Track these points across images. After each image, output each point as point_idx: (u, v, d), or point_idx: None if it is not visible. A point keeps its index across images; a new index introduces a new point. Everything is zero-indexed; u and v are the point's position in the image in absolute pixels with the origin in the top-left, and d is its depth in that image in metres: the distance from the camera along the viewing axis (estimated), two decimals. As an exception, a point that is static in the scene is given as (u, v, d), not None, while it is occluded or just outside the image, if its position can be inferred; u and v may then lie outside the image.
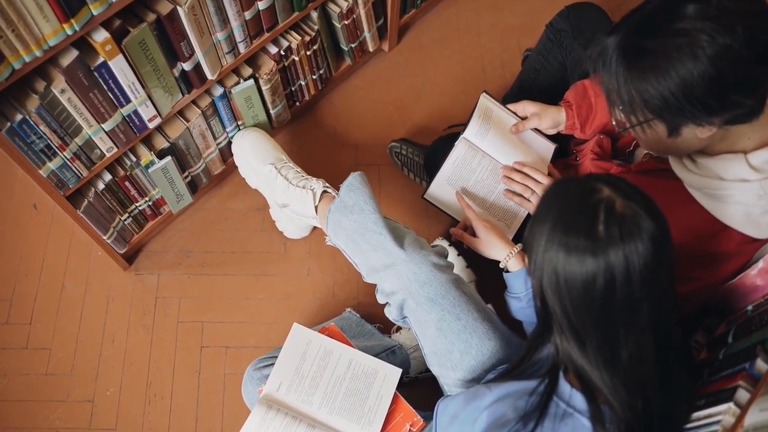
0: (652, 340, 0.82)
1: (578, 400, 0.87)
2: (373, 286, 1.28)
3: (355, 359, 1.23)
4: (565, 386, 0.88)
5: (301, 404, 1.19)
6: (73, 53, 1.11)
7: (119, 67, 1.18)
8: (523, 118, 1.42)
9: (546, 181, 1.33)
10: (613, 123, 1.06)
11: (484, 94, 1.43)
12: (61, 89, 1.13)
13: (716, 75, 0.88)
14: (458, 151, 1.39)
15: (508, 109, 1.43)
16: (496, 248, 1.25)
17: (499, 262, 1.25)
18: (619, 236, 0.77)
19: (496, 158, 1.39)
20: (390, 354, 1.40)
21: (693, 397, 0.93)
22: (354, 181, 1.29)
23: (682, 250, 1.07)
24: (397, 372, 1.23)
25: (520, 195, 1.36)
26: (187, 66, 1.33)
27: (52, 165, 1.23)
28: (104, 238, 1.49)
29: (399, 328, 1.52)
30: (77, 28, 1.05)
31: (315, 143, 1.81)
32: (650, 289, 0.79)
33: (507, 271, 1.23)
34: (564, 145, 1.46)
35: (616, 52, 0.94)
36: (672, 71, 0.90)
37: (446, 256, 1.25)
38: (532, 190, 1.34)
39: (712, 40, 0.87)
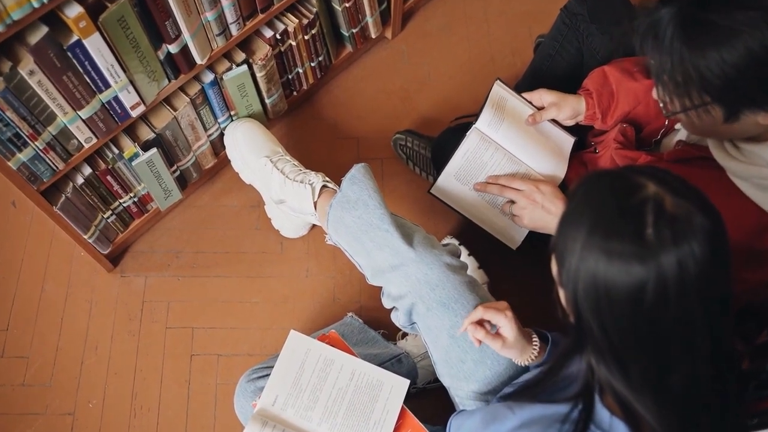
0: (709, 360, 0.70)
1: (621, 430, 0.75)
2: (378, 289, 1.20)
3: (359, 370, 1.14)
4: (603, 413, 0.77)
5: (299, 420, 1.10)
6: (43, 30, 1.01)
7: (96, 47, 1.08)
8: (540, 108, 1.33)
9: (524, 186, 1.21)
10: (660, 106, 0.97)
11: (497, 81, 1.35)
12: (29, 71, 1.03)
13: None
14: (469, 142, 1.30)
15: (524, 98, 1.34)
16: (521, 343, 1.03)
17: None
18: (671, 239, 0.65)
19: (512, 151, 1.30)
20: (396, 363, 1.31)
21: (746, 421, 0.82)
22: (357, 174, 1.20)
23: None
24: (404, 384, 1.14)
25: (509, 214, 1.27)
26: (173, 48, 1.23)
27: (22, 156, 1.13)
28: (85, 237, 1.40)
29: (405, 335, 1.44)
30: (45, 1, 0.95)
31: (314, 136, 1.73)
32: (708, 300, 0.68)
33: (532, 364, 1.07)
34: (581, 137, 1.38)
35: (672, 24, 0.85)
36: (740, 46, 0.81)
37: (459, 256, 1.15)
38: (510, 202, 1.24)
39: None
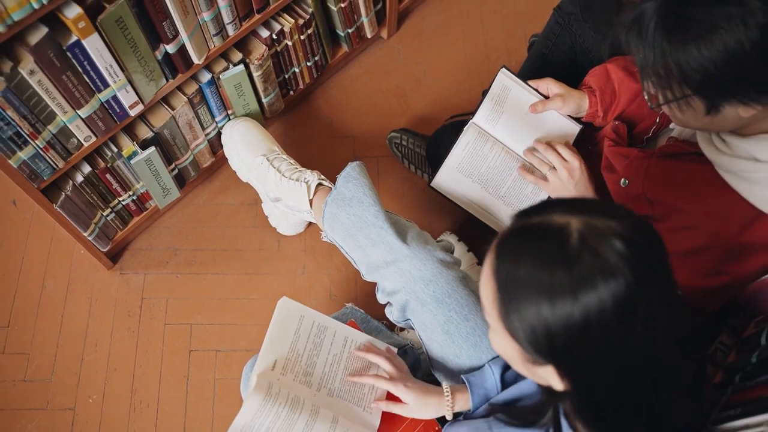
0: (672, 379, 0.71)
1: None
2: (373, 286, 1.21)
3: (351, 337, 1.14)
4: None
5: (300, 385, 1.09)
6: (43, 30, 1.02)
7: (95, 47, 1.09)
8: (545, 97, 1.33)
9: (573, 160, 1.21)
10: (645, 98, 0.98)
11: (503, 69, 1.33)
12: (30, 70, 1.04)
13: None
14: (468, 136, 1.30)
15: (530, 86, 1.33)
16: (434, 402, 1.04)
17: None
18: (599, 270, 0.64)
19: (508, 145, 1.30)
20: (401, 354, 1.32)
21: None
22: (352, 172, 1.22)
23: (712, 240, 1.00)
24: (393, 352, 1.14)
25: (536, 174, 1.26)
26: (170, 48, 1.24)
27: (23, 155, 1.15)
28: (85, 234, 1.41)
29: (404, 328, 1.44)
30: (45, 2, 0.97)
31: (310, 135, 1.74)
32: (653, 316, 0.66)
33: (453, 416, 1.06)
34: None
35: (655, 18, 0.86)
36: (718, 42, 0.82)
37: (453, 252, 1.16)
38: (550, 165, 1.24)
39: (767, 8, 0.79)
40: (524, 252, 0.68)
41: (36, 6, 0.96)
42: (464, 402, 1.04)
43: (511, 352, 0.73)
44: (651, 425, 0.72)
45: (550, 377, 0.71)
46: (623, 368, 0.67)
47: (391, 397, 1.09)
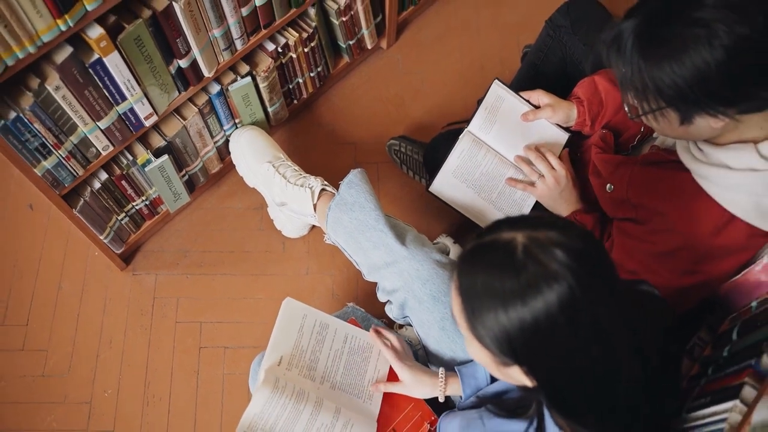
0: (639, 372, 0.78)
1: None
2: (373, 285, 1.27)
3: (351, 333, 1.22)
4: (553, 429, 0.84)
5: (304, 378, 1.16)
6: (68, 50, 1.10)
7: (114, 63, 1.17)
8: (536, 107, 1.39)
9: (560, 169, 1.29)
10: (625, 109, 1.04)
11: (496, 81, 1.39)
12: (55, 86, 1.12)
13: (732, 66, 0.87)
14: (463, 144, 1.37)
15: (522, 96, 1.40)
16: (428, 381, 1.13)
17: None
18: (543, 277, 0.71)
19: (501, 152, 1.38)
20: None
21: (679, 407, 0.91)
22: (354, 178, 1.28)
23: (687, 242, 1.07)
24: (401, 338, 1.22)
25: (524, 181, 1.34)
26: (183, 63, 1.32)
27: (47, 164, 1.22)
28: (101, 238, 1.48)
29: (401, 326, 1.50)
30: (71, 24, 1.04)
31: (313, 141, 1.80)
32: (600, 313, 0.73)
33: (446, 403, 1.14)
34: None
35: (632, 37, 0.93)
36: (687, 61, 0.88)
37: (448, 253, 1.23)
38: (539, 173, 1.31)
39: (731, 31, 0.85)
40: (479, 266, 0.76)
41: (63, 28, 1.03)
42: (456, 388, 1.11)
43: (485, 358, 0.80)
44: (620, 415, 0.78)
45: (520, 376, 0.78)
46: (579, 363, 0.74)
47: (389, 379, 1.18)
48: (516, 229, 0.75)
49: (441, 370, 1.13)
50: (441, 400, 1.13)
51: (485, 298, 0.74)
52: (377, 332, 1.19)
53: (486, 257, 0.76)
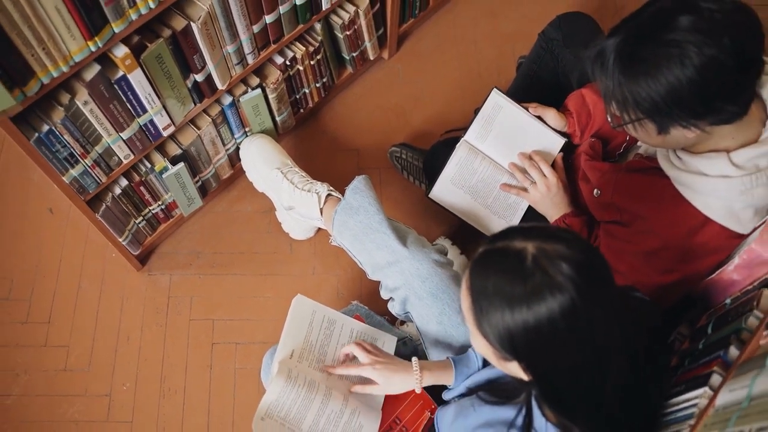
0: (627, 370, 0.85)
1: None
2: (376, 284, 1.34)
3: (356, 328, 1.28)
4: (541, 420, 0.91)
5: (314, 370, 1.23)
6: (96, 68, 1.18)
7: (137, 79, 1.25)
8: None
9: (551, 176, 1.36)
10: (608, 119, 1.12)
11: (495, 90, 1.45)
12: (84, 101, 1.20)
13: (702, 83, 0.94)
14: (460, 153, 1.43)
15: (520, 104, 1.46)
16: (398, 379, 1.17)
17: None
18: (548, 284, 0.78)
19: (496, 159, 1.44)
20: (401, 345, 1.45)
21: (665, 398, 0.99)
22: (359, 185, 1.35)
23: (667, 243, 1.14)
24: (393, 339, 1.29)
25: (517, 187, 1.41)
26: (199, 77, 1.40)
27: (74, 172, 1.30)
28: (120, 240, 1.56)
29: (403, 323, 1.58)
30: (100, 45, 1.12)
31: (318, 148, 1.86)
32: (598, 317, 0.80)
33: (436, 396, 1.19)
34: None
35: (613, 55, 1.00)
36: (662, 78, 0.96)
37: (446, 254, 1.30)
38: (531, 180, 1.38)
39: (700, 52, 0.93)
40: (490, 270, 0.83)
41: (93, 49, 1.12)
42: (435, 378, 1.17)
43: (487, 351, 0.87)
44: (605, 409, 0.86)
45: (518, 371, 0.86)
46: (573, 363, 0.82)
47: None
48: (528, 238, 0.81)
49: (415, 363, 1.16)
50: (417, 391, 1.17)
51: (494, 299, 0.80)
52: (344, 350, 1.23)
53: (498, 262, 0.82)
